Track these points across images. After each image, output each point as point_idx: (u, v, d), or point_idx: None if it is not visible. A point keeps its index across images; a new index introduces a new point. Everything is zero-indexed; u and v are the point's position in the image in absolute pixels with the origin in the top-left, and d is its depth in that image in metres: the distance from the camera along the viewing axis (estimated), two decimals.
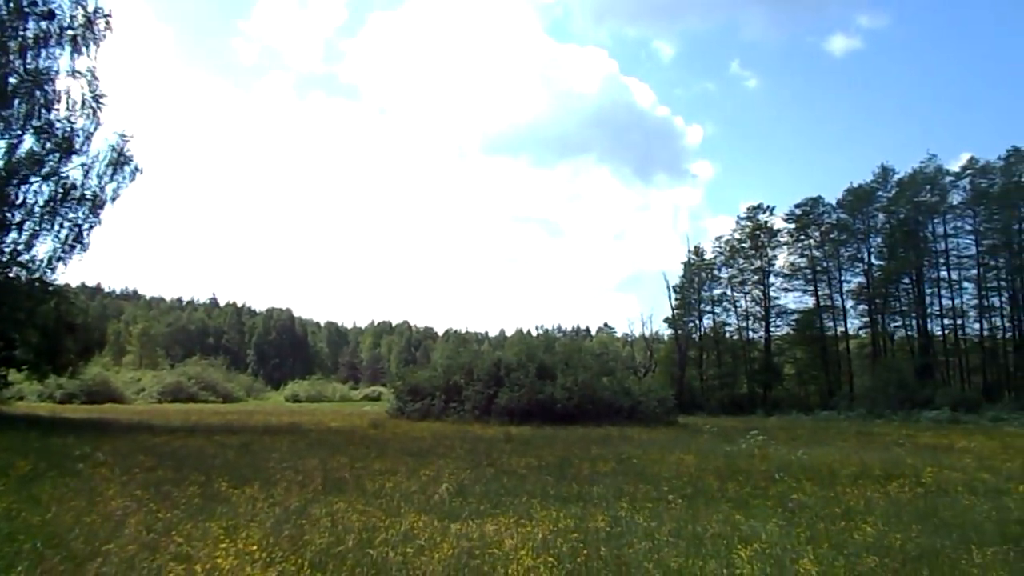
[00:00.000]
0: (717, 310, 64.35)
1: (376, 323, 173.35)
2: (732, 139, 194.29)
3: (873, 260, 59.72)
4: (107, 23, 28.40)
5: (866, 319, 60.12)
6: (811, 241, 61.91)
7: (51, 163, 27.54)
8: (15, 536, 7.78)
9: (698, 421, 37.93)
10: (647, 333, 63.03)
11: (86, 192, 28.11)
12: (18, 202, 27.06)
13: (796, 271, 62.10)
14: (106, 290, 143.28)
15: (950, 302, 56.94)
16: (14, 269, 27.37)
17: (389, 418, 36.24)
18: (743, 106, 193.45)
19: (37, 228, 27.36)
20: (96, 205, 28.35)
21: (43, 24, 27.05)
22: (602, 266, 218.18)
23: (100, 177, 28.45)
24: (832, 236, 61.02)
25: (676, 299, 62.56)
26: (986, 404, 45.29)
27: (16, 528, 8.16)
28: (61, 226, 27.67)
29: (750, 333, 63.87)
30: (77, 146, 27.92)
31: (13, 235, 27.07)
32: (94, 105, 28.03)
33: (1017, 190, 53.59)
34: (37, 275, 27.64)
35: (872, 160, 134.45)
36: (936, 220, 57.51)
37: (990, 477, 14.85)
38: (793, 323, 62.11)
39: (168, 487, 11.58)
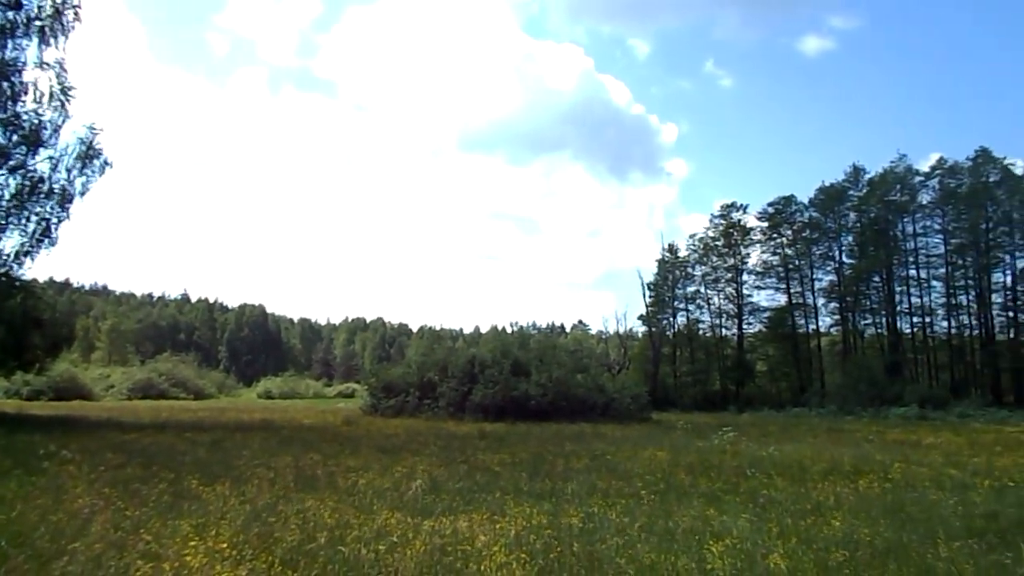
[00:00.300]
0: (691, 307, 64.85)
1: (350, 319, 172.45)
2: (706, 138, 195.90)
3: (844, 258, 60.56)
4: (76, 14, 27.88)
5: (837, 317, 60.89)
6: (783, 239, 62.52)
7: (18, 156, 26.99)
8: None
9: (671, 417, 38.15)
10: (621, 330, 63.31)
11: (54, 186, 27.60)
12: None
13: (769, 269, 62.71)
14: (75, 285, 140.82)
15: (919, 300, 57.89)
16: None
17: (363, 415, 36.07)
18: (717, 105, 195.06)
19: (4, 222, 26.79)
20: (64, 199, 27.85)
21: (10, 14, 26.48)
22: (577, 263, 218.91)
23: (69, 171, 27.95)
24: (804, 235, 61.66)
25: (650, 296, 62.94)
26: (953, 401, 46.01)
27: None
28: (28, 220, 27.13)
29: (723, 330, 64.45)
30: (45, 139, 27.38)
31: None
32: (62, 97, 27.50)
33: (984, 190, 54.57)
34: (3, 270, 27.09)
35: (844, 159, 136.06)
36: (906, 219, 58.39)
37: (956, 472, 15.09)
38: (765, 321, 62.69)
39: (137, 485, 11.43)
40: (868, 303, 59.41)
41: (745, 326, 63.11)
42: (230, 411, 38.98)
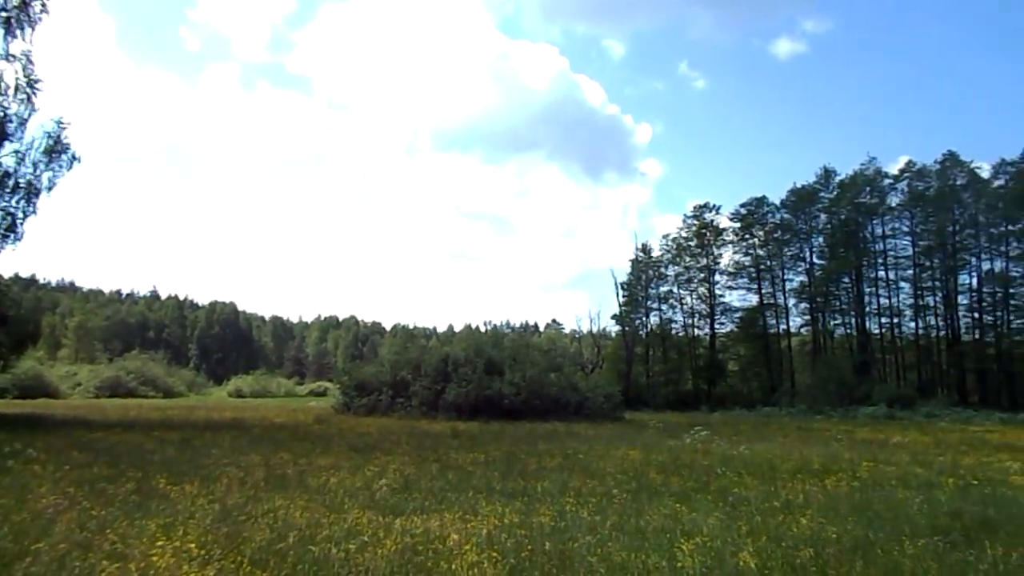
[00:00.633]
0: (664, 307, 65.16)
1: (323, 317, 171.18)
2: (680, 138, 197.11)
3: (815, 259, 61.24)
4: (43, 5, 27.46)
5: (807, 317, 61.61)
6: (755, 240, 63.08)
7: None
8: None
9: (644, 417, 38.35)
10: (595, 329, 63.46)
11: (20, 180, 27.16)
12: None
13: (741, 269, 63.23)
14: (41, 281, 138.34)
15: (887, 301, 58.72)
16: None
17: (335, 413, 35.89)
18: (691, 106, 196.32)
19: None
20: (31, 194, 27.43)
21: None
22: (551, 263, 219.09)
23: (35, 165, 27.53)
24: (776, 236, 62.28)
25: (624, 296, 63.16)
26: (920, 400, 46.73)
27: None
28: None
29: (695, 330, 64.86)
30: (11, 132, 26.92)
31: None
32: (29, 90, 27.07)
33: (951, 193, 55.50)
34: None
35: (815, 161, 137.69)
36: (875, 221, 59.20)
37: (923, 471, 15.32)
38: (737, 321, 63.19)
39: (103, 484, 11.30)
40: (838, 304, 60.16)
41: (717, 326, 63.64)
42: (200, 410, 38.55)
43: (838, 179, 60.31)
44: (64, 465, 13.24)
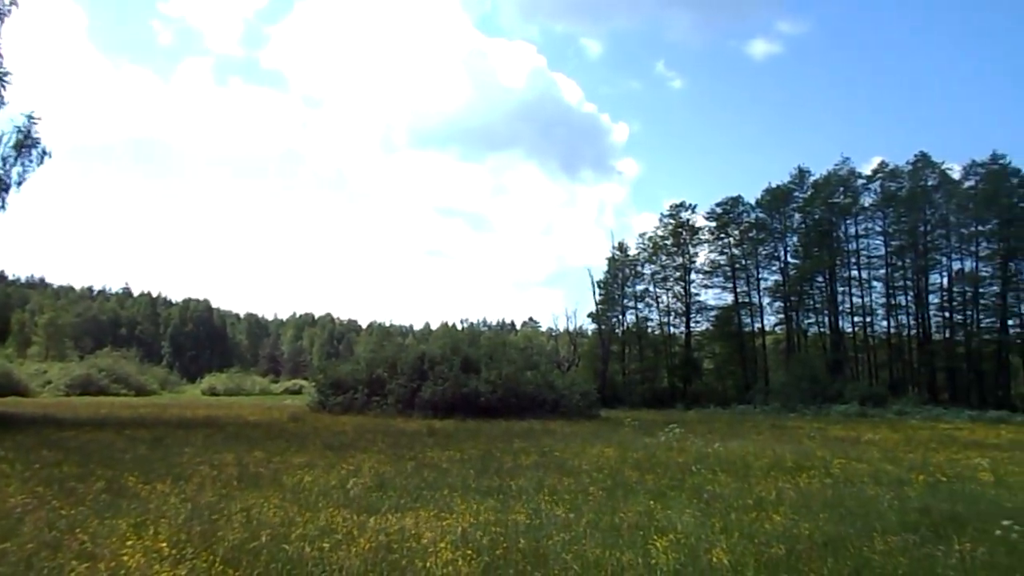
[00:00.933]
0: (640, 306, 65.29)
1: (298, 315, 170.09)
2: (657, 138, 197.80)
3: (789, 259, 61.65)
4: None
5: (782, 316, 62.04)
6: (731, 239, 63.43)
7: None
8: None
9: (620, 414, 38.47)
10: (571, 328, 63.51)
11: None
12: None
13: (716, 268, 63.53)
14: (10, 278, 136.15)
15: (860, 300, 59.25)
16: None
17: (310, 412, 35.66)
18: (668, 106, 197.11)
19: None
20: (0, 189, 26.97)
21: None
22: (528, 261, 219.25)
23: (5, 160, 27.11)
24: (751, 235, 62.67)
25: (600, 294, 63.22)
26: (892, 399, 47.30)
27: None
28: None
29: (671, 328, 65.09)
30: None
31: None
32: None
33: (923, 194, 56.18)
34: None
35: (790, 161, 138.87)
36: (848, 221, 59.75)
37: (893, 468, 15.52)
38: (713, 319, 63.52)
39: (73, 483, 11.19)
40: (812, 303, 60.70)
41: (693, 324, 63.91)
42: (173, 408, 38.17)
43: (812, 179, 60.79)
44: (33, 464, 13.08)
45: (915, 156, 57.46)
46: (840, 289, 59.61)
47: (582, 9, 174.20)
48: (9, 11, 26.85)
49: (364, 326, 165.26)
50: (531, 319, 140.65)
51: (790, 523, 9.20)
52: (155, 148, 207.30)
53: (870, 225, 59.33)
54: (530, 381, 36.05)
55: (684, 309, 63.62)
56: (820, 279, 59.67)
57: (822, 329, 60.56)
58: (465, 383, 34.32)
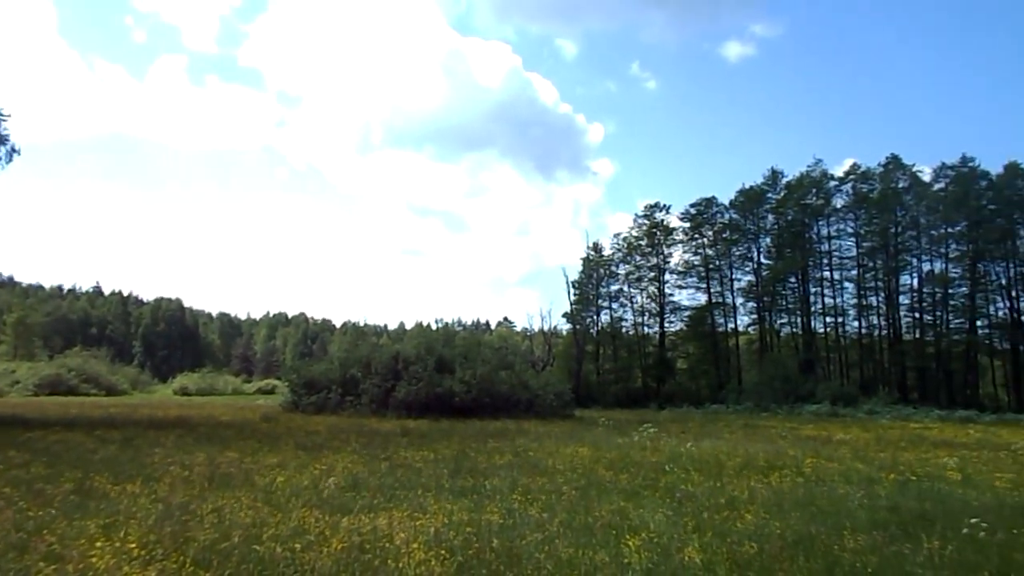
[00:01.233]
0: (614, 306, 65.55)
1: (271, 314, 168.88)
2: (632, 138, 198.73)
3: (762, 259, 62.25)
4: None
5: (755, 316, 62.58)
6: (704, 240, 63.88)
7: None
8: None
9: (594, 414, 38.57)
10: (546, 328, 63.56)
11: None
12: None
13: (690, 269, 63.93)
14: None
15: (832, 301, 59.95)
16: None
17: (283, 412, 35.35)
18: (643, 107, 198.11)
19: None
20: None
21: None
22: (503, 261, 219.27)
23: None
24: (724, 236, 63.13)
25: (575, 294, 63.37)
26: (863, 398, 47.84)
27: None
28: None
29: (645, 328, 65.44)
30: None
31: None
32: None
33: (894, 196, 56.94)
34: None
35: (763, 163, 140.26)
36: (821, 222, 60.43)
37: (864, 467, 15.69)
38: (686, 319, 63.91)
39: (41, 484, 11.01)
40: (784, 303, 61.31)
41: (667, 324, 64.27)
42: (144, 408, 37.68)
43: (785, 180, 61.41)
44: None
45: (886, 158, 58.38)
46: (812, 290, 60.29)
47: (557, 10, 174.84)
48: None
49: (338, 326, 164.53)
50: (506, 319, 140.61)
51: (762, 522, 9.26)
52: (128, 145, 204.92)
53: (842, 226, 60.11)
54: (504, 381, 36.02)
55: (658, 309, 63.97)
56: (793, 280, 60.28)
57: (794, 329, 61.19)
58: (439, 383, 34.22)
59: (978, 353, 56.40)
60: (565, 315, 63.26)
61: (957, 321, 56.18)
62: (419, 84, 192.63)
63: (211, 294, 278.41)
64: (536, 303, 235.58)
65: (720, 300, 63.14)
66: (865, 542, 8.19)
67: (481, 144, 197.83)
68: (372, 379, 35.64)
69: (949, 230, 55.97)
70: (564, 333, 65.79)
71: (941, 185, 56.74)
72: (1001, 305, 55.96)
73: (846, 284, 60.05)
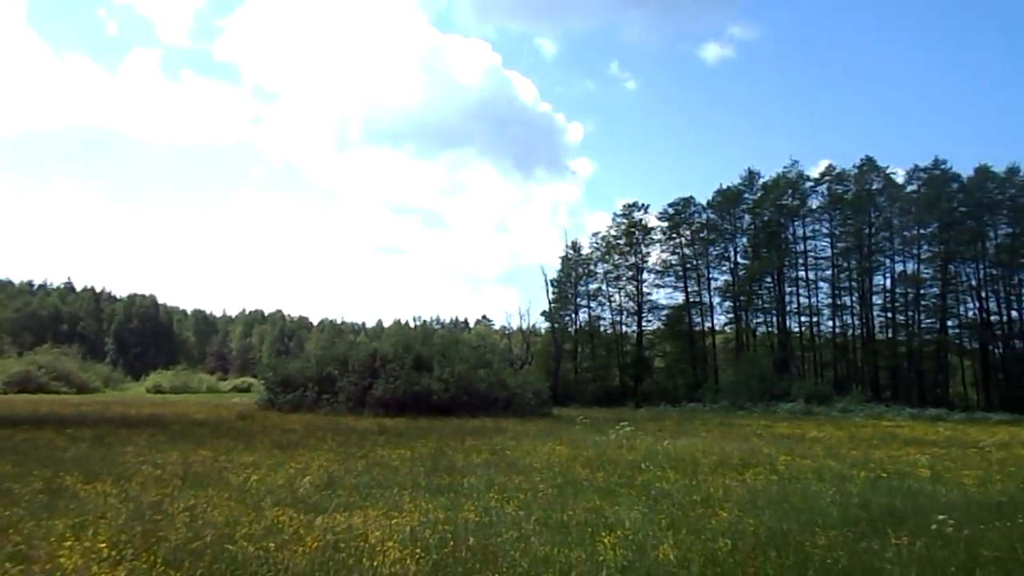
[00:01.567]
0: (592, 304, 65.75)
1: (247, 311, 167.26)
2: (611, 138, 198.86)
3: (739, 259, 62.80)
4: None
5: (731, 315, 63.03)
6: (682, 239, 64.26)
7: None
8: None
9: (572, 412, 38.70)
10: (524, 326, 63.62)
11: None
12: None
13: (668, 268, 64.28)
14: None
15: (807, 300, 60.63)
16: None
17: (259, 410, 35.10)
18: (622, 106, 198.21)
19: None
20: None
21: None
22: (482, 259, 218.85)
23: None
24: (702, 235, 63.58)
25: (553, 293, 63.57)
26: (836, 397, 48.40)
27: None
28: None
29: (623, 327, 65.76)
30: None
31: None
32: None
33: (868, 197, 57.69)
34: None
35: (740, 163, 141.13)
36: (796, 223, 61.05)
37: (837, 464, 15.88)
38: (664, 318, 64.29)
39: (8, 483, 10.88)
40: (760, 302, 61.81)
41: (644, 323, 64.64)
42: (116, 406, 37.24)
43: (762, 181, 61.96)
44: None
45: (861, 160, 59.15)
46: (788, 289, 60.88)
47: (537, 9, 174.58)
48: None
49: (315, 323, 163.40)
50: (484, 317, 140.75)
51: (736, 519, 9.36)
52: (101, 139, 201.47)
53: (817, 227, 60.78)
54: (483, 379, 36.03)
55: (636, 308, 64.28)
56: (769, 279, 60.81)
57: (770, 328, 61.77)
58: (417, 381, 34.17)
59: (948, 353, 57.32)
60: (543, 314, 63.46)
61: (928, 321, 57.05)
62: (398, 81, 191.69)
63: (186, 291, 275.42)
64: (515, 301, 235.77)
65: (697, 299, 63.60)
66: (836, 538, 8.30)
67: (460, 142, 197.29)
68: (349, 377, 35.50)
69: (921, 231, 56.85)
70: (542, 331, 65.91)
71: (914, 187, 57.60)
72: (971, 305, 57.03)
73: (821, 284, 60.80)
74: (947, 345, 56.47)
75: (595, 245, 65.90)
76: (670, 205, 63.81)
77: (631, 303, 64.85)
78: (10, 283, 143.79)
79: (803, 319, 60.93)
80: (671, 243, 64.49)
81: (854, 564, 7.27)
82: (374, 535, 7.97)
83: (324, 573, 6.67)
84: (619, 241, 64.87)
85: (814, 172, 62.21)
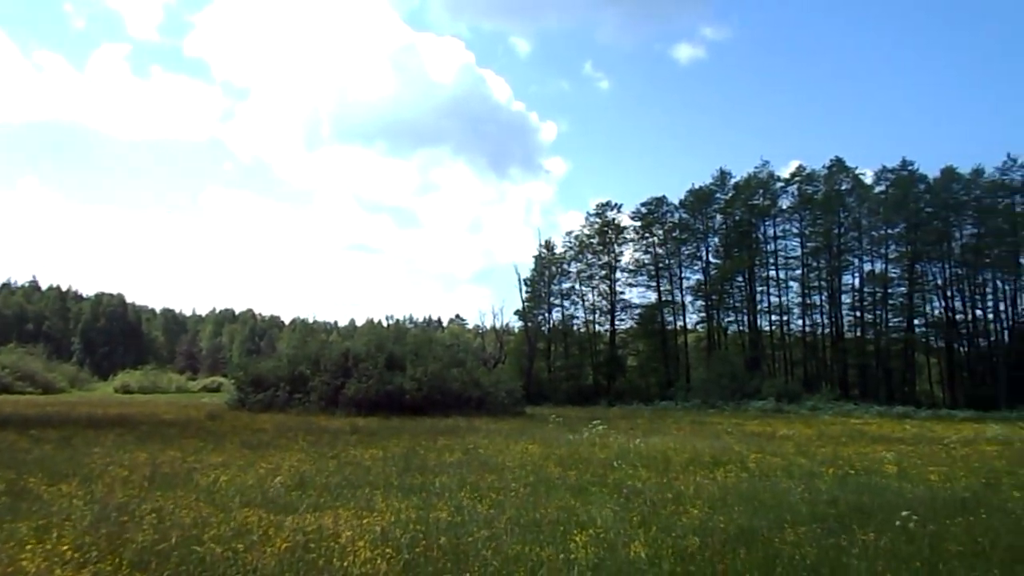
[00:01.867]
0: (566, 303, 65.92)
1: (218, 310, 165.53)
2: (584, 137, 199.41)
3: (711, 259, 63.29)
4: None
5: (703, 314, 63.54)
6: (655, 239, 64.62)
7: None
8: None
9: (545, 411, 38.76)
10: (498, 325, 63.62)
11: None
12: None
13: (640, 267, 64.61)
14: None
15: (777, 300, 61.27)
16: None
17: (229, 410, 34.71)
18: (595, 106, 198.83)
19: None
20: None
21: None
22: (455, 258, 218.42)
23: None
24: (674, 235, 63.97)
25: (527, 292, 63.64)
26: (806, 395, 49.00)
27: None
28: None
29: (596, 326, 66.00)
30: None
31: None
32: None
33: (837, 197, 58.43)
34: None
35: (712, 163, 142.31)
36: (767, 222, 61.65)
37: (806, 462, 16.07)
38: (637, 317, 64.62)
39: None
40: (732, 302, 62.36)
41: (617, 322, 64.93)
42: (82, 406, 36.61)
43: (733, 181, 62.51)
44: None
45: (831, 161, 59.90)
46: (759, 288, 61.45)
47: (511, 8, 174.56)
48: None
49: (287, 322, 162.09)
50: (458, 316, 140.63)
51: (706, 516, 9.43)
52: (68, 135, 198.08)
53: (787, 227, 61.45)
54: (456, 378, 35.97)
55: (609, 307, 64.53)
56: (740, 279, 61.33)
57: (741, 327, 62.31)
58: (390, 380, 34.04)
59: (915, 351, 58.25)
60: (517, 312, 63.50)
61: (896, 320, 57.97)
62: (370, 78, 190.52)
63: (155, 289, 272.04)
64: (488, 300, 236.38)
65: (670, 298, 63.98)
66: (804, 535, 8.39)
67: (433, 140, 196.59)
68: (321, 376, 35.26)
69: (889, 231, 57.74)
70: (516, 330, 65.94)
71: (882, 188, 58.47)
72: (937, 304, 58.02)
73: (791, 283, 61.51)
74: (914, 344, 57.40)
75: (568, 244, 66.18)
76: (643, 204, 64.24)
77: (604, 302, 65.15)
78: None
79: (774, 318, 61.62)
80: (644, 242, 64.88)
81: (821, 560, 7.35)
82: (345, 535, 7.92)
83: (293, 574, 6.62)
84: (592, 240, 65.13)
85: (785, 172, 63.29)
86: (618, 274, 65.03)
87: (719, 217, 63.09)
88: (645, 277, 64.48)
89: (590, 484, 12.37)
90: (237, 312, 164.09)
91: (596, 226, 65.08)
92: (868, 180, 59.31)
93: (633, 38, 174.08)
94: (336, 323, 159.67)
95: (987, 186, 55.50)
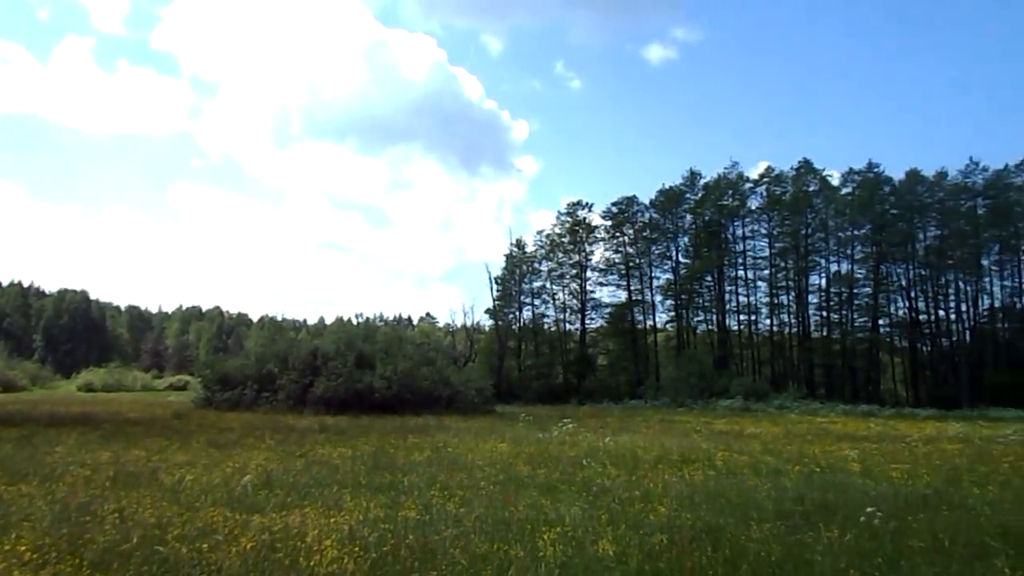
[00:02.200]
0: (536, 302, 66.14)
1: (184, 308, 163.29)
2: (556, 136, 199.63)
3: (680, 258, 63.86)
4: None
5: (673, 314, 64.07)
6: (625, 238, 65.02)
7: None
8: None
9: (515, 410, 38.80)
10: (468, 323, 63.58)
11: None
12: None
13: (611, 266, 65.02)
14: None
15: (746, 299, 62.07)
16: None
17: (195, 408, 34.30)
18: (567, 105, 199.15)
19: None
20: None
21: None
22: (426, 256, 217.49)
23: None
24: (645, 234, 64.44)
25: (497, 291, 63.69)
26: (773, 393, 49.60)
27: None
28: None
29: (567, 325, 66.26)
30: None
31: None
32: None
33: (805, 199, 59.22)
34: None
35: (683, 163, 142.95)
36: (736, 223, 62.35)
37: (773, 460, 16.23)
38: (607, 316, 64.95)
39: None
40: (701, 301, 62.99)
41: (588, 321, 65.24)
42: (44, 404, 35.98)
43: (703, 181, 63.16)
44: None
45: (799, 162, 60.90)
46: (727, 288, 62.14)
47: (483, 6, 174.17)
48: None
49: (255, 320, 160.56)
50: (428, 315, 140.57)
51: (674, 514, 9.49)
52: (31, 128, 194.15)
53: (756, 227, 62.21)
54: (426, 377, 35.84)
55: (579, 306, 64.80)
56: (709, 278, 61.92)
57: (710, 327, 62.97)
58: (359, 379, 33.83)
59: (880, 351, 59.24)
60: (487, 311, 63.60)
61: (861, 320, 58.93)
62: (341, 75, 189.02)
63: (120, 286, 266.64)
64: (459, 299, 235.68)
65: (640, 298, 64.39)
66: (770, 532, 8.48)
67: (404, 138, 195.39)
68: (289, 375, 34.93)
69: (855, 233, 58.68)
70: (486, 329, 65.98)
71: (848, 189, 59.43)
72: (901, 305, 59.10)
73: (759, 283, 62.32)
74: (879, 343, 58.40)
75: (539, 243, 66.39)
76: (614, 204, 64.62)
77: (575, 301, 65.41)
78: None
79: (742, 317, 62.38)
80: (614, 242, 65.25)
81: (786, 556, 7.43)
82: (312, 534, 7.86)
83: (259, 573, 6.55)
84: (563, 239, 65.35)
85: (754, 173, 63.82)
86: (589, 273, 65.46)
87: (689, 217, 63.67)
88: (615, 276, 64.91)
89: (559, 482, 12.39)
90: (204, 309, 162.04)
91: (567, 225, 65.33)
92: (835, 182, 60.42)
93: (604, 38, 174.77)
94: (305, 321, 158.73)
95: (950, 189, 56.65)
